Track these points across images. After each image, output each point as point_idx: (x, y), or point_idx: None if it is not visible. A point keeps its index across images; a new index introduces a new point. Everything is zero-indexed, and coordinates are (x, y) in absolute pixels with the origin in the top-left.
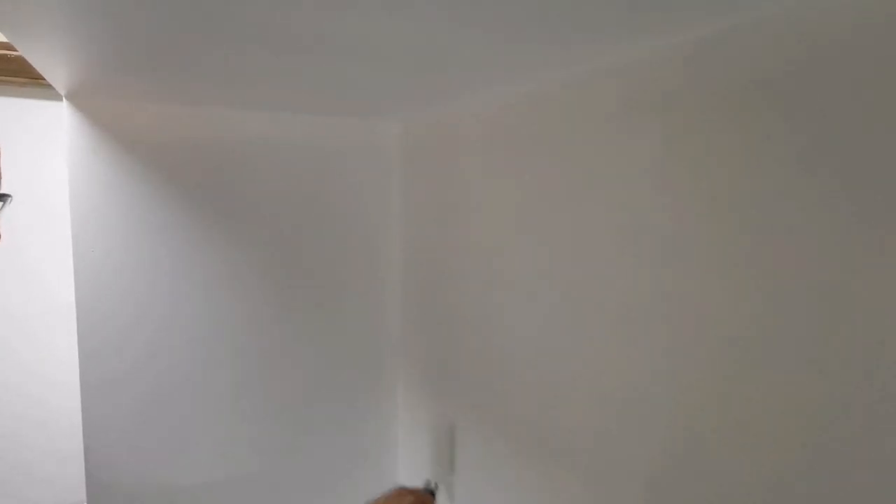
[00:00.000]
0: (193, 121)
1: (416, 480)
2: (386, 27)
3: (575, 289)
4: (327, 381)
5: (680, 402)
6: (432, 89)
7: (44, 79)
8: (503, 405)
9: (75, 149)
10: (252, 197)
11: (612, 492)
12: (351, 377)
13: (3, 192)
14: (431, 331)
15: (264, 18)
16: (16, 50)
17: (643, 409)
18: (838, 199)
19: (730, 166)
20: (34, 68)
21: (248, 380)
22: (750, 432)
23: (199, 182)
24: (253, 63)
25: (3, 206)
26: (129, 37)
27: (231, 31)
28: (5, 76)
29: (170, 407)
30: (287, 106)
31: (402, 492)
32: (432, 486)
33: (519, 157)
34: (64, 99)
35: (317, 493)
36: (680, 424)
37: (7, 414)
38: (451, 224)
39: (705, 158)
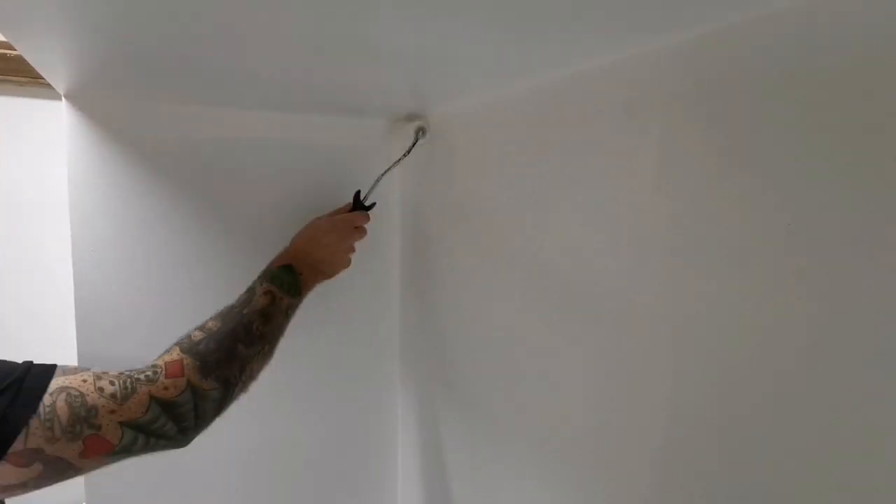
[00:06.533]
0: (193, 120)
1: (416, 479)
2: (385, 26)
3: (574, 286)
4: (324, 377)
5: (679, 401)
6: (432, 89)
7: (43, 78)
8: (499, 400)
9: (75, 148)
10: (252, 196)
11: (610, 490)
12: (349, 375)
13: None
14: (431, 329)
15: (264, 18)
16: (15, 49)
17: (643, 408)
18: (840, 197)
19: (730, 166)
20: (33, 68)
21: None
22: (748, 432)
23: (198, 181)
24: (253, 63)
25: None
26: (128, 37)
27: (231, 31)
28: (4, 75)
29: None
30: (287, 105)
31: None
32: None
33: (518, 157)
34: (63, 98)
35: (318, 494)
36: (679, 424)
37: None
38: (451, 223)
39: (705, 158)
